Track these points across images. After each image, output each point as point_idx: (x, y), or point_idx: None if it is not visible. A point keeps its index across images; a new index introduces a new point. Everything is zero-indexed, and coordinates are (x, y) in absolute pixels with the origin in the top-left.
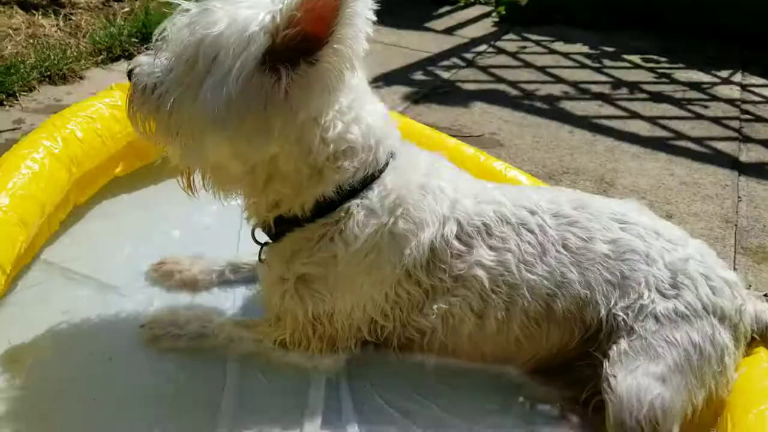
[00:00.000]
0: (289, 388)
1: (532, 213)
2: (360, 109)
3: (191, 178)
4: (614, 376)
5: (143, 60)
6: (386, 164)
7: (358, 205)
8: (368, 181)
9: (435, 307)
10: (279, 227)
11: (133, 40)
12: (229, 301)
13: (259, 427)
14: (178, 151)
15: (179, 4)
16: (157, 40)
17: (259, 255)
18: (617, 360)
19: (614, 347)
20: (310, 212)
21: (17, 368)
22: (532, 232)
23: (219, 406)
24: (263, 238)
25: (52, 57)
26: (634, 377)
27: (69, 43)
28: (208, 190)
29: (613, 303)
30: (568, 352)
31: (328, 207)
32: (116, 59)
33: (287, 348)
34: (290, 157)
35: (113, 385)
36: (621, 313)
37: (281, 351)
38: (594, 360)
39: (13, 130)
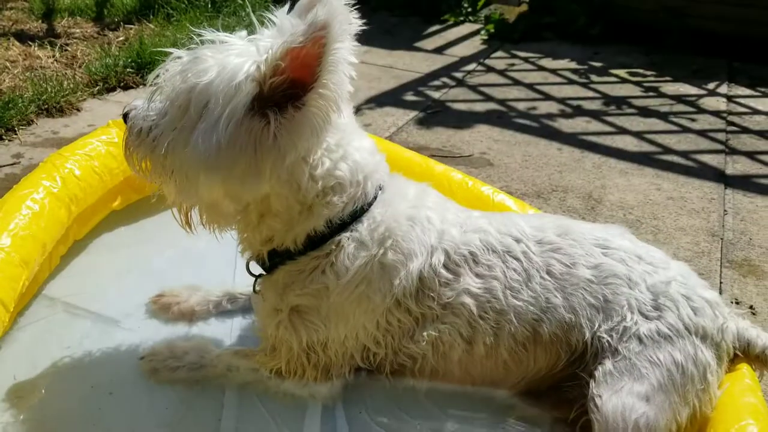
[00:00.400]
0: (286, 416)
1: (517, 240)
2: (347, 145)
3: (188, 214)
4: (600, 396)
5: (138, 103)
6: (375, 197)
7: (348, 238)
8: (358, 214)
9: (425, 334)
10: (272, 260)
11: (128, 70)
12: (227, 330)
13: None
14: (173, 190)
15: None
16: (151, 84)
17: (254, 287)
18: (602, 380)
19: (600, 368)
20: (302, 245)
21: (22, 404)
22: (517, 259)
23: None
24: (257, 270)
25: (50, 90)
26: (619, 397)
27: (65, 74)
28: (204, 225)
29: (597, 326)
30: (556, 374)
31: (319, 240)
32: (112, 89)
33: (283, 377)
34: (281, 195)
35: (115, 418)
36: (605, 335)
37: (277, 380)
38: (581, 381)
39: (12, 164)
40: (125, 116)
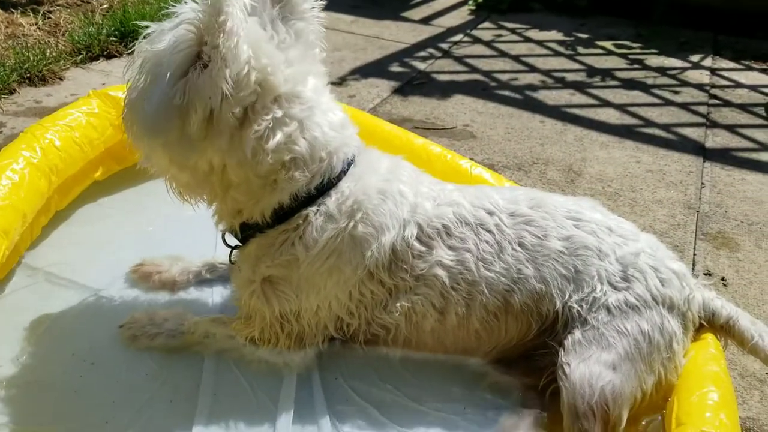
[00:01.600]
0: (263, 383)
1: (490, 213)
2: (306, 119)
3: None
4: (568, 365)
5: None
6: (343, 171)
7: (315, 212)
8: (324, 188)
9: (398, 304)
10: (244, 232)
11: (111, 39)
12: (207, 299)
13: (234, 421)
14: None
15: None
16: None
17: (230, 257)
18: (571, 349)
19: (569, 337)
20: (270, 219)
21: (3, 372)
22: (490, 231)
23: (196, 403)
24: (233, 241)
25: (32, 58)
26: (587, 365)
27: (48, 42)
28: (174, 194)
29: (567, 296)
30: (527, 342)
31: (285, 214)
32: (95, 59)
33: (257, 344)
34: (233, 166)
35: (95, 385)
36: (575, 306)
37: (252, 347)
38: (551, 349)
39: None
40: None
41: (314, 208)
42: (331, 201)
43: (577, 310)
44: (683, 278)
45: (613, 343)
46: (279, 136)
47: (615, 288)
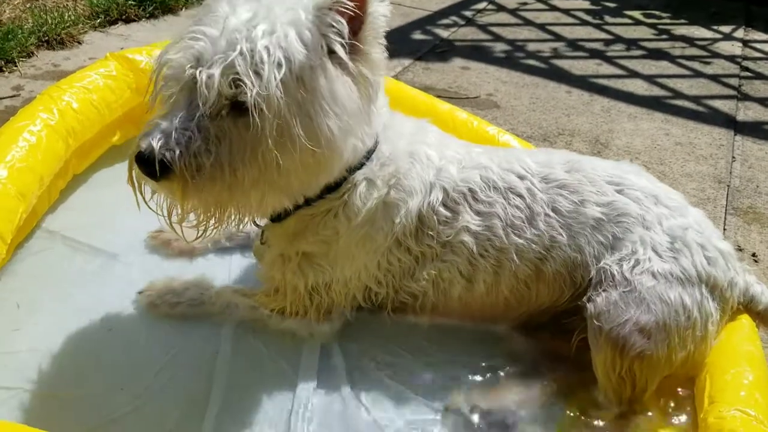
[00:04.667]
0: (284, 352)
1: (521, 177)
2: None
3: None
4: (601, 326)
5: (160, 132)
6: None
7: (361, 175)
8: (370, 153)
9: (425, 272)
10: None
11: (130, 2)
12: (225, 267)
13: (253, 389)
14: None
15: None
16: (167, 97)
17: (261, 237)
18: (605, 310)
19: (604, 296)
20: (320, 192)
21: (20, 336)
22: (520, 196)
23: (213, 369)
24: (263, 220)
25: (50, 21)
26: (622, 329)
27: (66, 5)
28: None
29: (603, 261)
30: (557, 308)
31: (336, 185)
32: (114, 22)
33: (284, 316)
34: None
35: (113, 350)
36: (614, 266)
37: (278, 318)
38: (582, 313)
39: (12, 97)
40: (147, 160)
41: (361, 171)
42: (374, 165)
43: (613, 271)
44: (729, 259)
45: (653, 310)
46: None
47: (660, 256)
